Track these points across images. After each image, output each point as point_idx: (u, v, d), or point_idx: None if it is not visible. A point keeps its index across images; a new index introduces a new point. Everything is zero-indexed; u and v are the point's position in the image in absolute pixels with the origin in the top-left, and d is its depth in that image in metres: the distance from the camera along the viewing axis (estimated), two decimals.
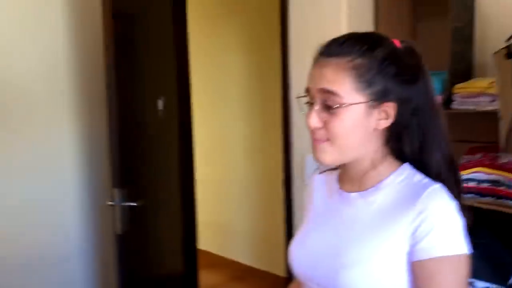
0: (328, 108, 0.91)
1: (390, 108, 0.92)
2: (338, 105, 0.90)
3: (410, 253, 0.90)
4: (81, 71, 2.54)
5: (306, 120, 0.95)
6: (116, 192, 2.03)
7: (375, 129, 0.94)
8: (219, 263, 4.18)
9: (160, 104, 2.43)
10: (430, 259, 0.88)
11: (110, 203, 2.04)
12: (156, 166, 2.60)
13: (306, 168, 2.20)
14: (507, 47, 1.53)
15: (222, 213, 4.30)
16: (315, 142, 0.95)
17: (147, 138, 2.48)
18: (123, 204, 2.03)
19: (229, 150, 4.18)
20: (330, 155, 0.95)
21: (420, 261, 0.89)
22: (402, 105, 0.93)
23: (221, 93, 4.18)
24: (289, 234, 2.31)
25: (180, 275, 2.83)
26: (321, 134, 0.93)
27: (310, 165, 2.16)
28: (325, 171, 1.12)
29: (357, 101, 0.90)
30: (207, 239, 4.19)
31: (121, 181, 2.04)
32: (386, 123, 0.94)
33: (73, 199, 2.56)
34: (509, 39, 1.49)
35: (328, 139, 0.93)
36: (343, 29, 2.00)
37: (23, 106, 2.39)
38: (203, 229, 3.74)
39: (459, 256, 0.88)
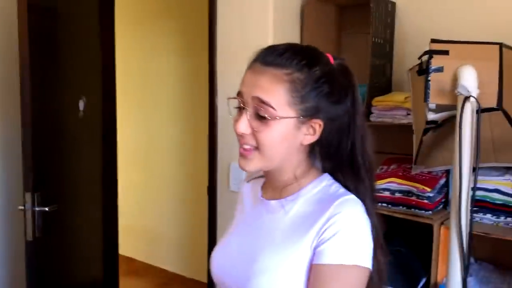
0: (259, 117, 0.91)
1: (317, 125, 0.94)
2: (270, 117, 0.90)
3: (312, 256, 0.90)
4: None
5: (234, 124, 0.94)
6: (28, 196, 1.92)
7: (301, 144, 0.95)
8: (144, 270, 4.08)
9: (82, 104, 2.33)
10: (328, 265, 0.87)
11: (21, 207, 1.93)
12: (77, 169, 2.48)
13: (231, 175, 2.20)
14: (419, 64, 1.60)
15: (148, 219, 4.20)
16: (243, 150, 0.95)
17: (66, 140, 2.36)
18: (34, 209, 1.92)
19: (156, 155, 4.09)
20: (254, 164, 0.95)
21: (318, 264, 0.88)
22: (329, 123, 0.94)
23: (150, 97, 4.09)
24: (212, 241, 2.29)
25: (99, 282, 2.72)
26: (248, 139, 0.93)
27: (235, 172, 2.16)
28: (253, 178, 1.12)
29: (289, 115, 0.90)
30: (132, 246, 4.08)
31: (33, 184, 1.93)
32: (312, 139, 0.95)
33: None
34: (421, 56, 1.56)
35: (256, 148, 0.93)
36: (269, 37, 2.02)
37: None
38: (128, 235, 3.64)
39: (358, 267, 0.88)
